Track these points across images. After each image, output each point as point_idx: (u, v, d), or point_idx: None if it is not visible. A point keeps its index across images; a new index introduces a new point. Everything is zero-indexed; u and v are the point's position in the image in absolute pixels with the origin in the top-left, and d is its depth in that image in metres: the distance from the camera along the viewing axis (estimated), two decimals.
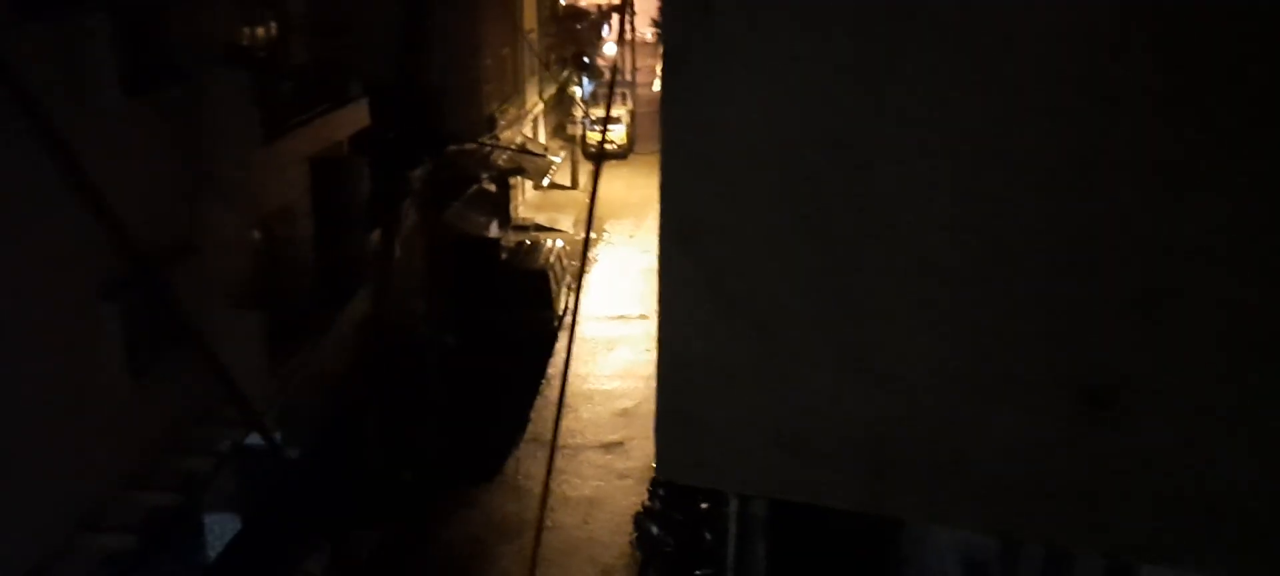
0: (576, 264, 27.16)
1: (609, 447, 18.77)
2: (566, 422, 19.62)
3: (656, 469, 1.61)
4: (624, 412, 20.02)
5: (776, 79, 1.41)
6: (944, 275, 1.41)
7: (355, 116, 15.83)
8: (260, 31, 14.03)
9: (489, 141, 25.11)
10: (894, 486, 1.51)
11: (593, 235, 30.58)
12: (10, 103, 9.16)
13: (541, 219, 30.51)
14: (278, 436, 14.15)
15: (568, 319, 24.08)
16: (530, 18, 32.70)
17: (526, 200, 31.92)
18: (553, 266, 23.30)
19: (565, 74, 37.55)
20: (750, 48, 1.42)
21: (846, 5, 1.37)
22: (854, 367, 1.48)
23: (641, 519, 15.52)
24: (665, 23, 1.46)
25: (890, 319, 1.45)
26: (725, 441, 1.56)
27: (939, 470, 1.47)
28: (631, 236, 30.46)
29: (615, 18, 45.39)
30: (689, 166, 1.48)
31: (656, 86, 34.24)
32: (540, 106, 34.69)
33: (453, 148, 20.23)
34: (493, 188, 25.91)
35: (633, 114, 41.40)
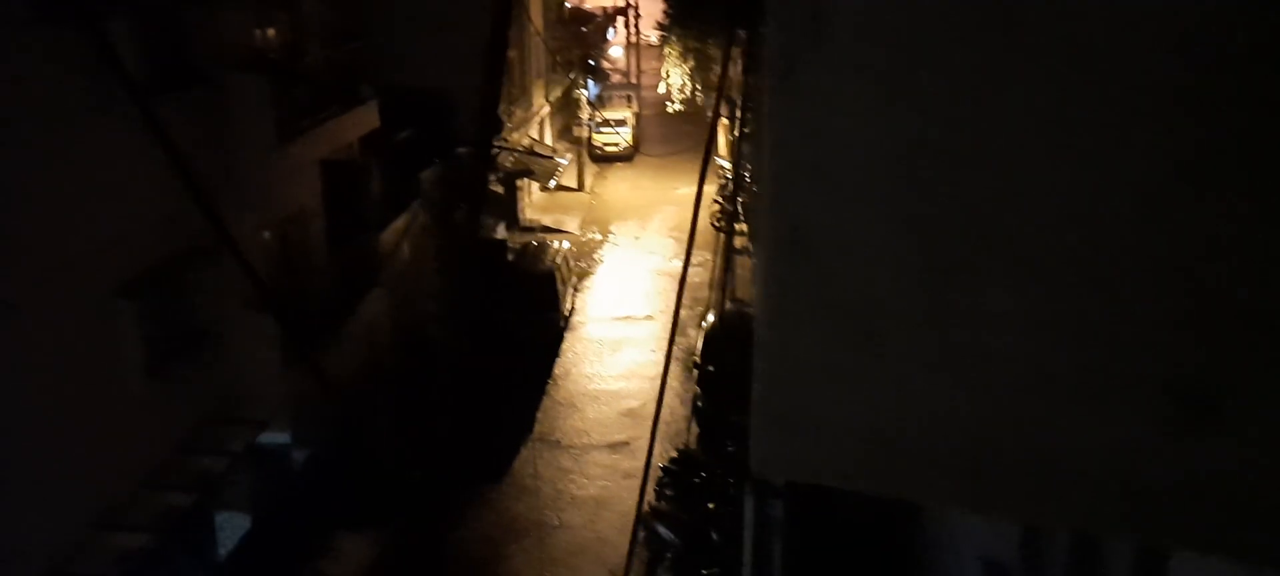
0: (583, 265, 27.26)
1: (615, 447, 18.85)
2: (571, 422, 19.70)
3: (753, 466, 1.66)
4: (630, 413, 20.09)
5: (885, 88, 1.47)
6: (1047, 280, 1.46)
7: (366, 118, 15.93)
8: (273, 34, 14.13)
9: (497, 143, 25.19)
10: (989, 484, 1.56)
11: (599, 236, 30.64)
12: (32, 100, 9.28)
13: (548, 220, 30.59)
14: (289, 437, 14.27)
15: (575, 319, 24.17)
16: (537, 21, 32.77)
17: (533, 202, 32.00)
18: (559, 268, 23.38)
19: (572, 76, 37.62)
20: (859, 58, 1.47)
21: (954, 16, 1.42)
22: (954, 369, 1.53)
23: (648, 518, 15.59)
24: (775, 34, 1.50)
25: (992, 322, 1.50)
26: (823, 439, 1.61)
27: (1035, 469, 1.53)
28: (637, 238, 30.52)
29: (621, 21, 45.44)
30: (798, 172, 1.53)
31: (661, 88, 34.30)
32: (547, 109, 34.76)
33: (462, 149, 20.33)
34: (500, 189, 26.00)
35: (638, 116, 41.46)
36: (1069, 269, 1.46)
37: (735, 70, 32.11)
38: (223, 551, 13.05)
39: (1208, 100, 1.35)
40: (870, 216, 1.52)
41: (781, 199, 1.56)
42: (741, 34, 28.49)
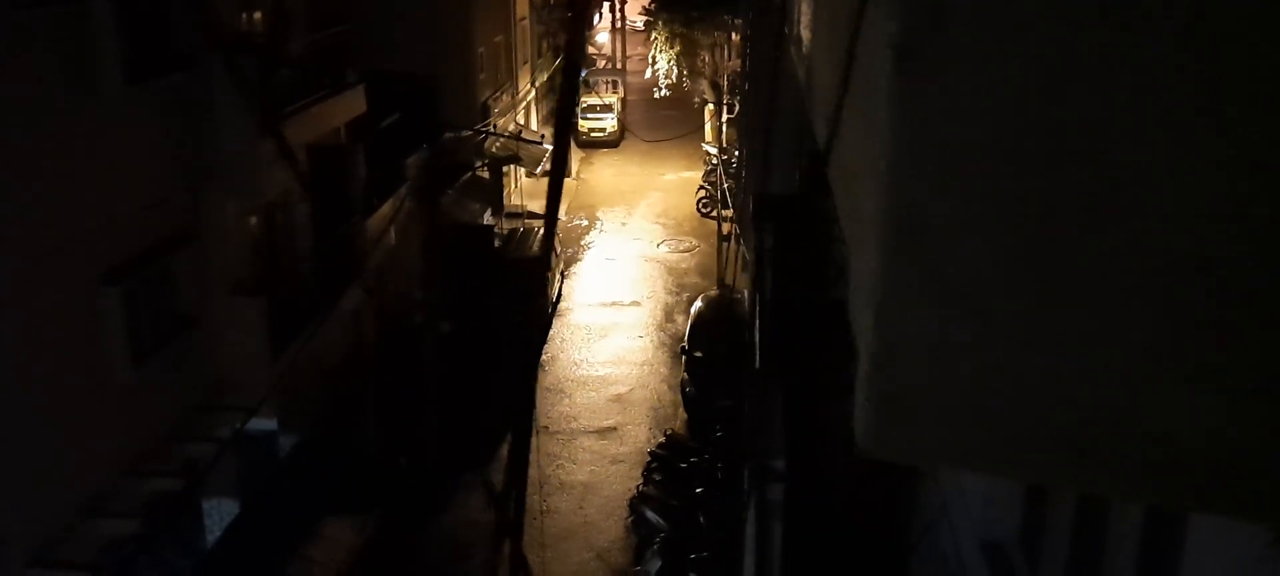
0: (570, 251, 27.23)
1: (603, 433, 18.87)
2: (560, 408, 19.70)
3: (860, 446, 1.66)
4: (617, 398, 20.11)
5: (1004, 75, 1.48)
6: (1161, 263, 1.47)
7: (352, 104, 15.83)
8: (258, 18, 14.01)
9: (484, 129, 25.12)
10: (1096, 464, 1.58)
11: (585, 222, 30.59)
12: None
13: (534, 206, 30.50)
14: (276, 423, 14.21)
15: (562, 305, 24.15)
16: (523, 6, 32.64)
17: (519, 188, 31.90)
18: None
19: (557, 61, 37.47)
20: (980, 46, 1.48)
21: (1075, 4, 1.43)
22: (1065, 351, 1.55)
23: (637, 503, 15.63)
24: (897, 22, 1.51)
25: (1104, 304, 1.51)
26: (932, 421, 1.63)
27: (1142, 449, 1.54)
28: (624, 224, 30.49)
29: (607, 6, 45.30)
30: (914, 159, 1.54)
31: (648, 74, 34.24)
32: (532, 94, 34.66)
33: (449, 135, 20.24)
34: (486, 175, 25.91)
35: (624, 101, 41.38)
36: (1178, 251, 1.48)
37: (721, 56, 32.12)
38: (210, 538, 12.99)
39: None
40: (983, 199, 1.54)
41: (896, 183, 1.58)
42: (732, 20, 28.48)
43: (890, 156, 1.56)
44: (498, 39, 29.11)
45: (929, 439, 1.63)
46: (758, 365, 6.19)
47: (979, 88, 1.49)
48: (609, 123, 38.65)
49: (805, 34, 3.77)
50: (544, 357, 21.65)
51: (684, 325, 21.26)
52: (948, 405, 1.61)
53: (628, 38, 46.14)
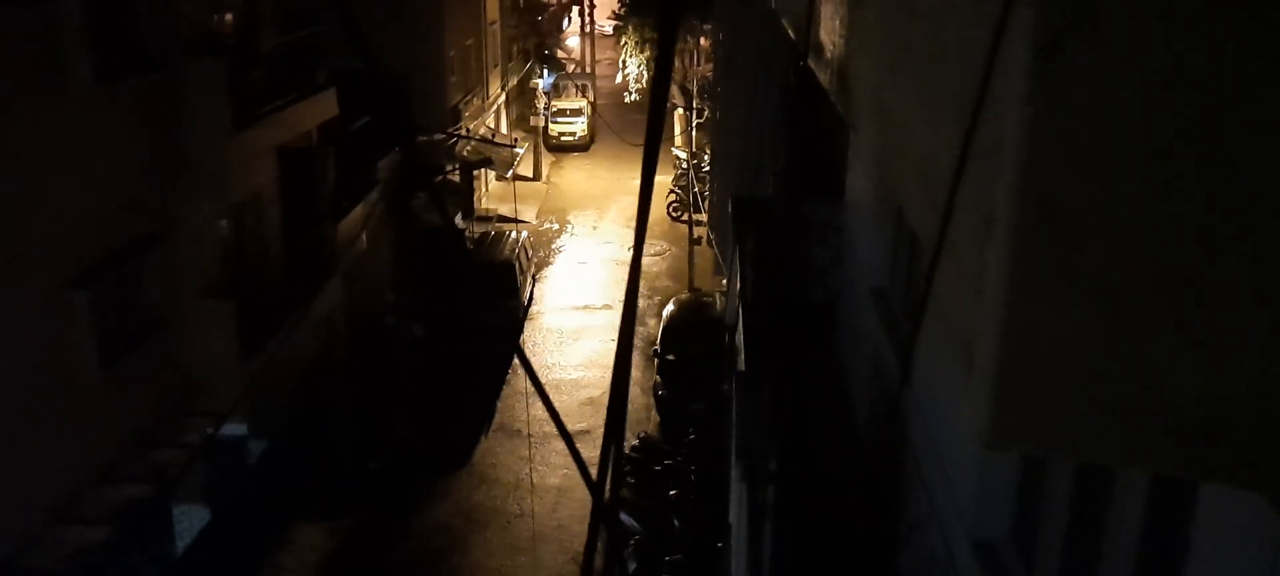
0: (540, 254, 27.17)
1: (576, 436, 18.69)
2: (531, 411, 19.63)
3: (983, 439, 1.67)
4: (590, 401, 20.08)
5: (1149, 70, 1.49)
6: None
7: (324, 105, 15.70)
8: (229, 18, 13.87)
9: (455, 132, 25.02)
10: (1222, 453, 1.60)
11: (556, 226, 30.54)
12: None
13: (504, 210, 30.40)
14: (245, 428, 14.05)
15: (533, 309, 24.10)
16: (493, 9, 32.56)
17: (489, 192, 31.80)
18: (518, 257, 23.30)
19: (527, 65, 37.43)
20: (1126, 40, 1.49)
21: (1223, 2, 1.44)
22: (1195, 341, 1.57)
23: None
24: (1039, 13, 1.53)
25: (1237, 297, 1.53)
26: (1061, 409, 1.65)
27: (1269, 439, 1.57)
28: (595, 227, 30.47)
29: (576, 10, 45.25)
30: (1053, 149, 1.56)
31: (619, 78, 34.21)
32: (502, 97, 34.57)
33: (422, 138, 20.15)
34: (456, 178, 25.80)
35: (594, 106, 41.32)
36: None
37: (691, 61, 32.16)
38: (180, 545, 12.82)
39: None
40: (1121, 191, 1.56)
41: (1032, 174, 1.59)
42: (696, 22, 28.53)
43: (1030, 145, 1.57)
44: (469, 42, 29.01)
45: (1057, 429, 1.65)
46: (743, 366, 6.21)
47: (1122, 85, 1.51)
48: (579, 127, 38.60)
49: (832, 41, 3.79)
50: (516, 361, 21.58)
51: (656, 328, 21.27)
52: (1077, 394, 1.63)
53: (597, 42, 46.10)
